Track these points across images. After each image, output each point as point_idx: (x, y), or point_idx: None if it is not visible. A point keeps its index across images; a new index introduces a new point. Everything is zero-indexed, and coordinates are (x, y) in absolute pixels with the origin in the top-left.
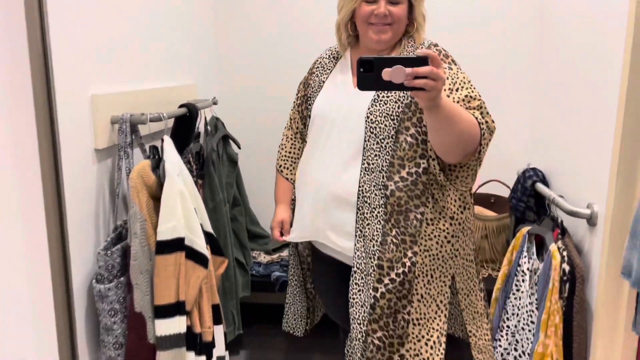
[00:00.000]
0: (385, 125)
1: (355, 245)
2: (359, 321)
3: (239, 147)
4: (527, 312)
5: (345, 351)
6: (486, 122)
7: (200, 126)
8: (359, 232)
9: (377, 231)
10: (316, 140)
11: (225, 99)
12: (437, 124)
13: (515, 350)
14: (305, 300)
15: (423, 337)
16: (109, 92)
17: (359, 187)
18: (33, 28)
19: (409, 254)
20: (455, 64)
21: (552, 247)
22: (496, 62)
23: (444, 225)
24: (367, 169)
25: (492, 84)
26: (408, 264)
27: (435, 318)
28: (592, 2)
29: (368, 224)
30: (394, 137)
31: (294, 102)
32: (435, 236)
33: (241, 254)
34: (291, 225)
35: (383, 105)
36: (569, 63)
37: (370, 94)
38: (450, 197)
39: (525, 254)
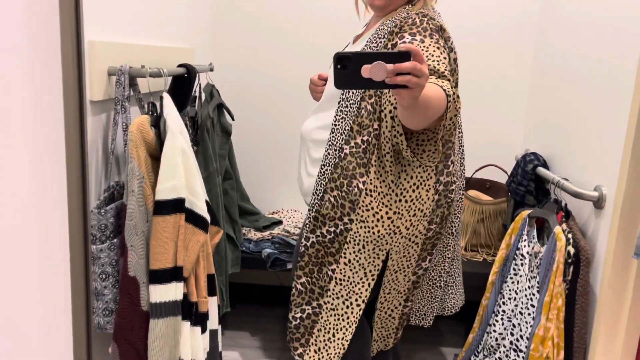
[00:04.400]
0: (356, 90)
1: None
2: (295, 269)
3: (233, 119)
4: (526, 295)
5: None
6: (454, 92)
7: (196, 91)
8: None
9: (320, 186)
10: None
11: (220, 69)
12: (411, 115)
13: (512, 334)
14: None
15: (342, 295)
16: (107, 40)
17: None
18: None
19: (345, 219)
20: (436, 35)
21: (557, 229)
22: (490, 40)
23: (386, 199)
24: (332, 130)
25: (486, 65)
26: (341, 226)
27: (358, 283)
28: None
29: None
30: (358, 102)
31: None
32: (372, 208)
33: (231, 228)
34: None
35: None
36: (572, 35)
37: None
38: (402, 172)
39: (525, 237)
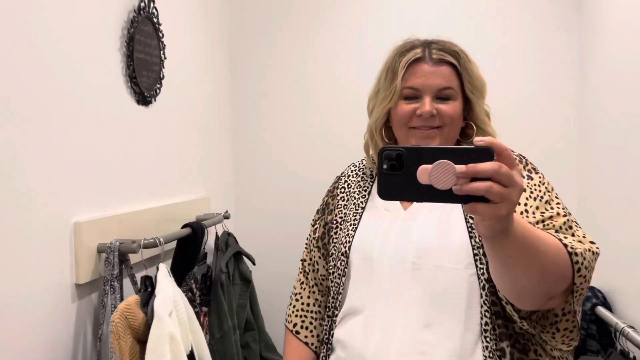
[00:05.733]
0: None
1: None
2: None
3: (254, 263)
4: None
5: None
6: (585, 249)
7: (211, 242)
8: None
9: None
10: (363, 294)
11: (241, 211)
12: (505, 257)
13: None
14: None
15: None
16: (96, 217)
17: None
18: None
19: None
20: (537, 172)
21: None
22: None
23: None
24: (489, 334)
25: None
26: None
27: None
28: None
29: None
30: (481, 279)
31: (308, 241)
32: None
33: None
34: None
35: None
36: (624, 145)
37: (453, 218)
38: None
39: None
